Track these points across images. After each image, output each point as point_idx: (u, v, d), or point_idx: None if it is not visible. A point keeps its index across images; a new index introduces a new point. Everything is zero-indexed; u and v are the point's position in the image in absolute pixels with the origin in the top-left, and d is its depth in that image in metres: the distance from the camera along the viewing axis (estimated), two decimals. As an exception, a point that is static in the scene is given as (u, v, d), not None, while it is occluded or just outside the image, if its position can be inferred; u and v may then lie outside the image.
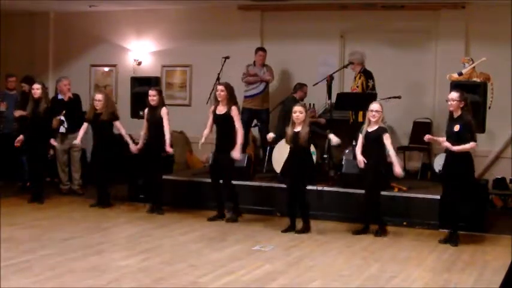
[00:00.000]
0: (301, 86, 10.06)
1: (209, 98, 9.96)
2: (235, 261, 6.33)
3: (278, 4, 10.74)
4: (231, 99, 8.24)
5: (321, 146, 9.08)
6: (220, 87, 8.25)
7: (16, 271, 5.75)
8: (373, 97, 9.11)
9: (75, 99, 10.07)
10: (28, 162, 9.53)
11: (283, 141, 8.88)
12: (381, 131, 7.45)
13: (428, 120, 10.10)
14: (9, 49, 12.26)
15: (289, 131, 7.65)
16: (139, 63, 11.81)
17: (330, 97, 9.25)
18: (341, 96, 9.21)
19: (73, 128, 9.73)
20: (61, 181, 10.01)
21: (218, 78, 9.96)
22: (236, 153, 8.09)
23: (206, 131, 8.33)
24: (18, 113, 10.20)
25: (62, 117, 9.73)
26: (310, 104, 10.13)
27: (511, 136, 9.92)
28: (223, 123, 8.19)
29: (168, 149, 8.57)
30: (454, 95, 7.18)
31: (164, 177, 9.08)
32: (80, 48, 12.33)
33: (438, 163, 9.03)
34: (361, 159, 7.49)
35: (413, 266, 6.35)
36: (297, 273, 6.00)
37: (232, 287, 5.55)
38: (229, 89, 8.27)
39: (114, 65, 12.15)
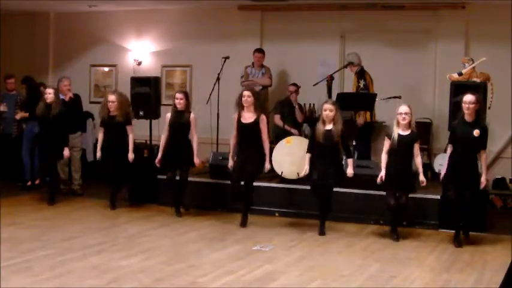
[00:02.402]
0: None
1: (209, 98, 9.97)
2: (235, 261, 6.33)
3: (278, 4, 10.74)
4: (258, 105, 7.96)
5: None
6: (246, 93, 7.87)
7: (16, 271, 5.75)
8: (373, 97, 9.16)
9: (76, 99, 10.07)
10: (40, 166, 9.50)
11: (283, 141, 8.92)
12: (415, 136, 7.44)
13: (428, 120, 10.10)
14: (9, 49, 12.27)
15: (320, 128, 7.62)
16: (140, 63, 11.81)
17: (330, 97, 9.26)
18: (341, 96, 9.21)
19: (73, 128, 9.74)
20: (61, 181, 9.99)
21: (218, 78, 9.98)
22: (268, 164, 7.96)
23: (234, 142, 8.00)
24: (19, 115, 10.21)
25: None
26: (310, 104, 10.15)
27: (511, 136, 9.92)
28: (251, 132, 7.84)
29: (196, 160, 8.46)
30: (471, 98, 7.11)
31: (164, 177, 9.07)
32: (80, 48, 12.33)
33: (438, 163, 9.05)
34: (382, 175, 7.47)
35: (413, 266, 6.36)
36: (297, 273, 5.99)
37: (232, 287, 5.55)
38: (256, 94, 8.02)
39: (114, 65, 12.15)
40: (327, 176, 7.54)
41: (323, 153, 7.60)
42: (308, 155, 7.72)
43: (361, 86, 9.37)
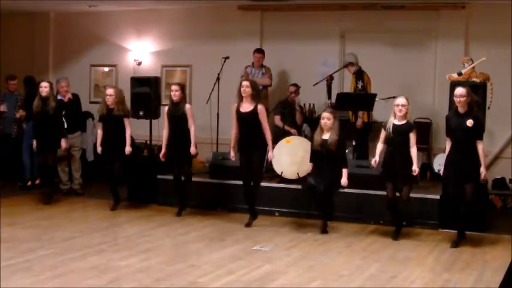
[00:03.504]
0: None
1: (209, 98, 9.98)
2: (235, 261, 6.33)
3: (278, 4, 10.75)
4: (257, 96, 7.97)
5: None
6: (245, 83, 7.88)
7: (16, 271, 5.75)
8: (373, 97, 9.16)
9: (75, 99, 10.08)
10: (38, 162, 9.45)
11: (282, 141, 8.92)
12: (410, 126, 7.42)
13: (428, 120, 10.11)
14: (9, 49, 12.27)
15: (317, 137, 7.64)
16: (140, 63, 11.81)
17: (330, 97, 9.27)
18: (341, 96, 9.22)
19: (73, 128, 9.75)
20: (61, 181, 10.00)
21: (218, 78, 9.98)
22: (271, 154, 7.92)
23: (235, 132, 7.98)
24: (19, 114, 10.22)
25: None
26: (310, 104, 10.14)
27: (511, 136, 9.93)
28: (249, 122, 7.81)
29: (193, 149, 8.45)
30: (462, 91, 7.13)
31: (164, 177, 9.09)
32: (80, 48, 12.33)
33: (438, 163, 9.05)
34: (376, 159, 7.49)
35: (413, 266, 6.36)
36: (297, 273, 6.00)
37: (232, 287, 5.56)
38: (255, 86, 8.00)
39: (114, 65, 12.15)
40: (321, 183, 7.52)
41: (320, 162, 7.62)
42: (311, 165, 7.76)
43: (359, 87, 9.37)
